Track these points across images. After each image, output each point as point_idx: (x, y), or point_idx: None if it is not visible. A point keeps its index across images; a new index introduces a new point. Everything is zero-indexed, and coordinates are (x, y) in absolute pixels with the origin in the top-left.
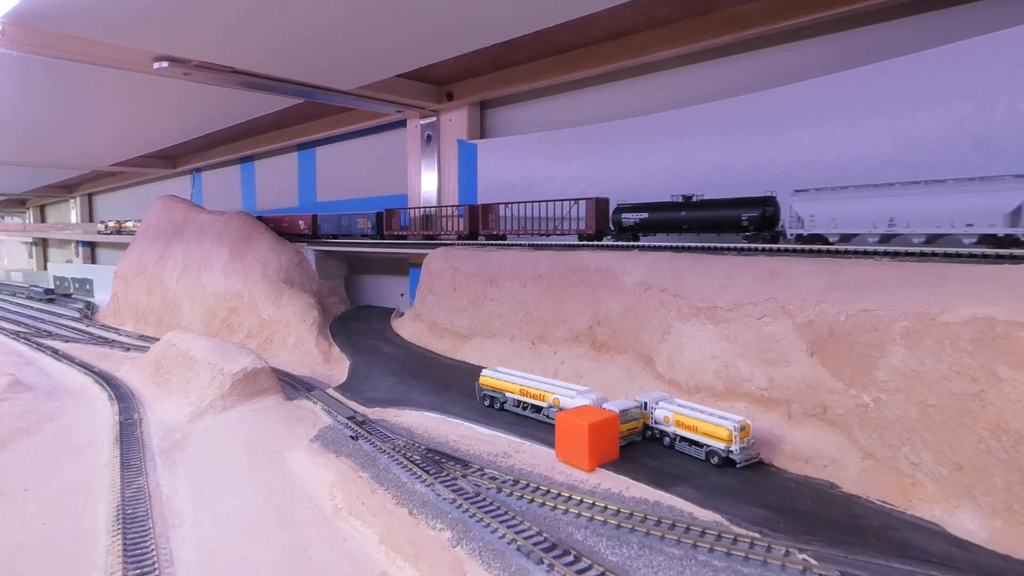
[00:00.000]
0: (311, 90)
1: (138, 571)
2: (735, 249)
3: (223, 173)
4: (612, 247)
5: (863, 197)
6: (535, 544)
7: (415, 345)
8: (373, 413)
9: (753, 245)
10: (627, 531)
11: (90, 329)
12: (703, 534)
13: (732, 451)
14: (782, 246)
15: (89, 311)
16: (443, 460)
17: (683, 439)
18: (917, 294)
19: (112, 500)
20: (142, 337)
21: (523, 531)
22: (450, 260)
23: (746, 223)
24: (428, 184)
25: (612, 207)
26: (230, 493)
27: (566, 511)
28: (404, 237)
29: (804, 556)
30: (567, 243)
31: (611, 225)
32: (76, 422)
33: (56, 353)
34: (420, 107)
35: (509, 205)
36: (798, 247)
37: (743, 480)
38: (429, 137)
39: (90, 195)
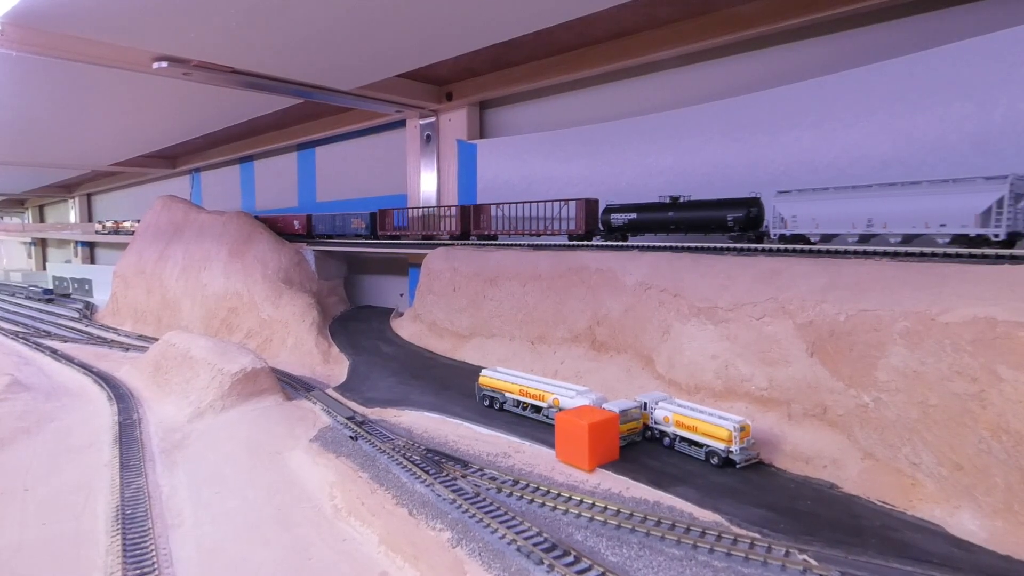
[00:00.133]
0: (311, 90)
1: (138, 571)
2: (735, 249)
3: (223, 173)
4: (613, 247)
5: (842, 198)
6: (535, 544)
7: (415, 345)
8: (373, 413)
9: (754, 246)
10: (627, 531)
11: (89, 329)
12: (703, 534)
13: (732, 451)
14: (782, 246)
15: (88, 311)
16: (443, 460)
17: (683, 439)
18: (917, 294)
19: (112, 500)
20: (141, 337)
21: (523, 531)
22: (450, 260)
23: (731, 223)
24: (428, 184)
25: (603, 208)
26: (230, 493)
27: (566, 511)
28: (398, 237)
29: (804, 556)
30: (567, 243)
31: (600, 225)
32: (75, 422)
33: (55, 353)
34: (420, 107)
35: (500, 206)
36: (798, 247)
37: (743, 480)
38: (429, 137)
39: (89, 195)
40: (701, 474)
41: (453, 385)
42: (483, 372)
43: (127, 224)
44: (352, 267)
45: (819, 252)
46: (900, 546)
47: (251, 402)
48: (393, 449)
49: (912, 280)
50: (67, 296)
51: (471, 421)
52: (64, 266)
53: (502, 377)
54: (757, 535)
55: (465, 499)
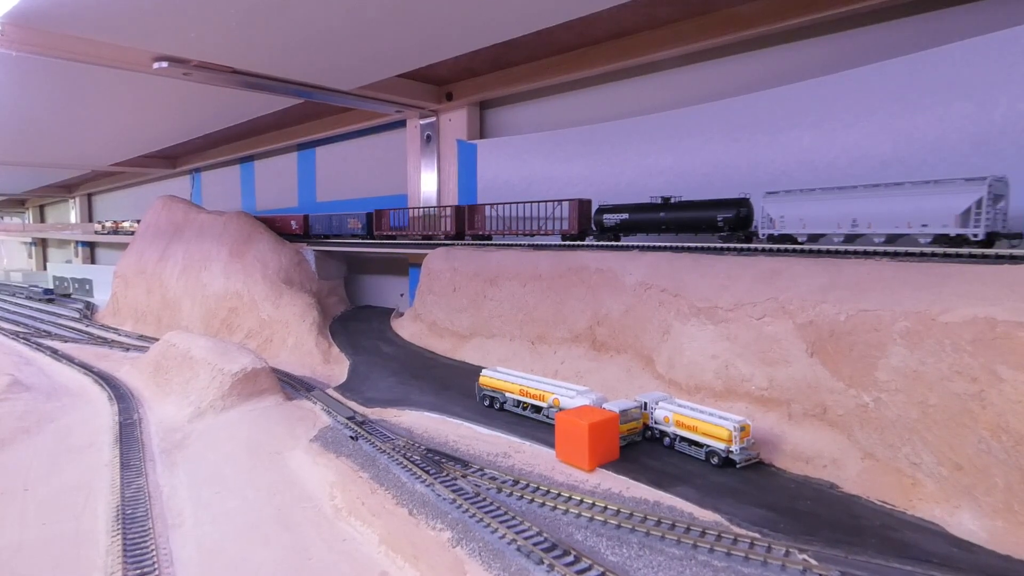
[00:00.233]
0: (311, 90)
1: (138, 571)
2: (735, 249)
3: (223, 173)
4: (613, 247)
5: (828, 199)
6: (535, 544)
7: (415, 345)
8: (373, 413)
9: (751, 246)
10: (627, 531)
11: (89, 329)
12: (703, 534)
13: (732, 451)
14: (781, 246)
15: (88, 311)
16: (443, 460)
17: (683, 439)
18: (917, 294)
19: (112, 500)
20: (142, 337)
21: (523, 531)
22: (450, 260)
23: (721, 223)
24: (428, 184)
25: (596, 208)
26: (230, 493)
27: (566, 511)
28: (394, 237)
29: (804, 556)
30: (567, 243)
31: (593, 226)
32: (76, 422)
33: (55, 353)
34: (420, 107)
35: (495, 206)
36: (797, 248)
37: (743, 480)
38: (429, 137)
39: (89, 195)
40: (701, 474)
41: (453, 385)
42: (483, 372)
43: (127, 224)
44: (352, 267)
45: (819, 252)
46: (900, 546)
47: (251, 402)
48: (393, 449)
49: (912, 280)
50: (67, 296)
51: (471, 421)
52: (64, 266)
53: (502, 377)
54: (757, 535)
55: (465, 499)
